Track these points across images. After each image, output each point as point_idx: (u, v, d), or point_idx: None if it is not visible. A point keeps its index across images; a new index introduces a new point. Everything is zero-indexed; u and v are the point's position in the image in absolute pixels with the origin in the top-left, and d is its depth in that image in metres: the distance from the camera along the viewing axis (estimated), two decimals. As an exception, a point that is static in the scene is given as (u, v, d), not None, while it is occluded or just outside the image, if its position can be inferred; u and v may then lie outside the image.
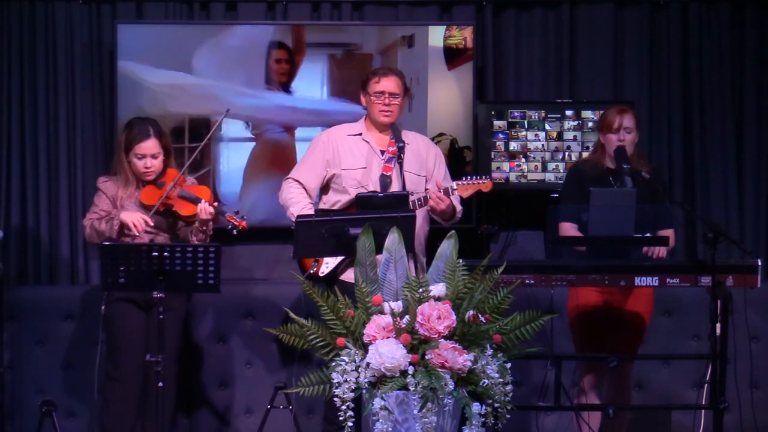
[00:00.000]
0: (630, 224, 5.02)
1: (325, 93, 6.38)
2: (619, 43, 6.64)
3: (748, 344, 5.53)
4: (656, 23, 6.63)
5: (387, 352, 4.02)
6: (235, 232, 5.23)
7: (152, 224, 5.16)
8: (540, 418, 5.79)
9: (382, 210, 4.77)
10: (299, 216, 4.86)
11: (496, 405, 4.08)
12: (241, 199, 6.31)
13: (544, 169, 6.38)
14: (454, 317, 4.10)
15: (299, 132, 6.35)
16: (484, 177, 5.30)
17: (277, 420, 5.72)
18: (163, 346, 4.90)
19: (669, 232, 5.24)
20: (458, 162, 6.34)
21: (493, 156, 6.37)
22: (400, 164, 5.21)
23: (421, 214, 5.17)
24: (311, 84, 6.38)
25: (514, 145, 6.38)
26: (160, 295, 4.85)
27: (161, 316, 4.88)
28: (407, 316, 4.12)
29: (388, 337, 4.08)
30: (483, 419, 4.06)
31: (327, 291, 4.28)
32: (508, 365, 4.15)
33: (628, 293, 5.24)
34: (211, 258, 4.88)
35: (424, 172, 5.35)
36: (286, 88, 6.35)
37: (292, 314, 4.28)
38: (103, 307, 5.19)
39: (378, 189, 5.21)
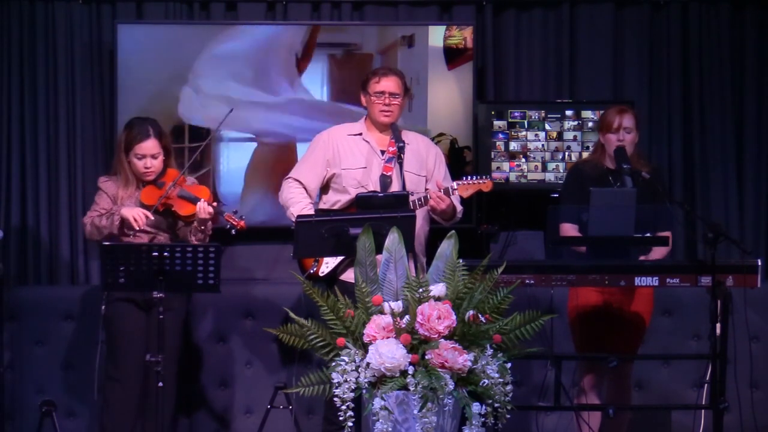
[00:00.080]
0: (630, 224, 5.02)
1: (325, 93, 6.38)
2: (619, 43, 6.64)
3: (748, 344, 5.53)
4: (656, 23, 6.63)
5: (387, 352, 4.02)
6: (233, 231, 5.22)
7: (152, 219, 5.16)
8: (540, 418, 5.79)
9: (382, 210, 4.77)
10: (299, 216, 4.86)
11: (496, 405, 4.08)
12: (242, 201, 6.30)
13: (544, 169, 6.38)
14: (454, 317, 4.10)
15: (300, 133, 6.35)
16: (484, 177, 5.30)
17: (277, 420, 5.72)
18: (163, 346, 4.89)
19: (666, 235, 5.23)
20: (458, 162, 6.34)
21: (493, 156, 6.37)
22: (400, 164, 5.21)
23: (421, 214, 5.17)
24: (312, 84, 6.37)
25: (514, 145, 6.38)
26: (160, 295, 4.85)
27: (161, 316, 4.88)
28: (407, 316, 4.12)
29: (388, 337, 4.08)
30: (483, 419, 4.06)
31: (327, 291, 4.28)
32: (508, 365, 4.15)
33: (628, 293, 5.24)
34: (211, 258, 4.88)
35: (425, 172, 5.34)
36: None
37: (292, 314, 4.28)
38: (103, 307, 5.19)
39: (378, 189, 5.21)
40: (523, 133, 6.38)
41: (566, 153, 6.37)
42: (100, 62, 6.42)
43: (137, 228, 5.13)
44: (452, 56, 6.39)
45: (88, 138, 6.41)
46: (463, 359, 4.05)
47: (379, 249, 4.29)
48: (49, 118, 6.37)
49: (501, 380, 4.09)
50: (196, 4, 6.48)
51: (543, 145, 6.38)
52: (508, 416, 4.11)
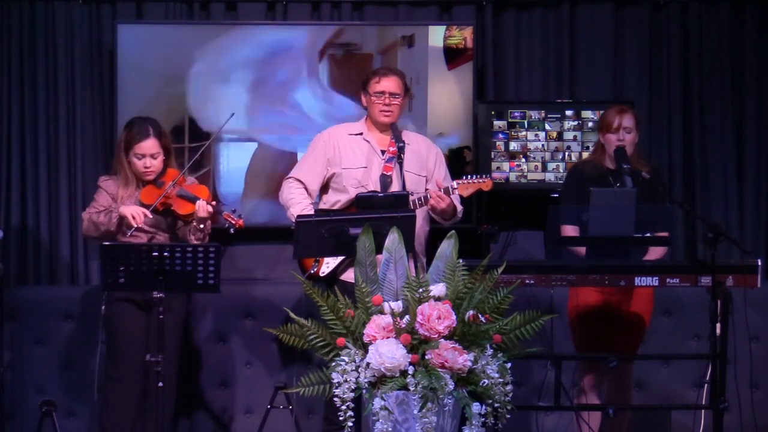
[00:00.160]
0: (630, 224, 5.02)
1: (325, 93, 6.38)
2: (619, 43, 6.64)
3: (748, 344, 5.53)
4: (656, 23, 6.63)
5: (387, 352, 4.02)
6: (232, 230, 5.22)
7: (151, 217, 5.16)
8: (540, 418, 5.79)
9: (382, 210, 4.77)
10: (299, 216, 4.85)
11: (496, 405, 4.08)
12: (242, 201, 6.29)
13: (544, 169, 6.38)
14: (454, 317, 4.10)
15: (300, 133, 6.35)
16: (484, 176, 5.30)
17: (277, 420, 5.71)
18: (163, 346, 4.89)
19: (665, 235, 5.24)
20: (458, 162, 6.33)
21: (493, 156, 6.37)
22: (400, 164, 5.21)
23: (421, 214, 5.17)
24: (312, 84, 6.37)
25: (514, 145, 6.38)
26: (160, 295, 4.85)
27: (161, 316, 4.87)
28: (407, 316, 4.12)
29: (388, 337, 4.08)
30: (483, 419, 4.06)
31: (327, 291, 4.28)
32: (508, 365, 4.15)
33: (628, 293, 5.24)
34: (211, 258, 4.87)
35: (425, 172, 5.35)
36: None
37: (292, 314, 4.28)
38: (103, 307, 5.19)
39: (378, 189, 5.21)
40: (523, 133, 6.38)
41: (566, 153, 6.37)
42: (100, 62, 6.42)
43: (135, 225, 5.12)
44: (452, 56, 6.39)
45: (88, 138, 6.41)
46: (463, 359, 4.05)
47: (379, 249, 4.28)
48: (49, 118, 6.37)
49: (501, 380, 4.09)
50: (196, 4, 6.48)
51: (543, 145, 6.38)
52: (508, 416, 4.11)
